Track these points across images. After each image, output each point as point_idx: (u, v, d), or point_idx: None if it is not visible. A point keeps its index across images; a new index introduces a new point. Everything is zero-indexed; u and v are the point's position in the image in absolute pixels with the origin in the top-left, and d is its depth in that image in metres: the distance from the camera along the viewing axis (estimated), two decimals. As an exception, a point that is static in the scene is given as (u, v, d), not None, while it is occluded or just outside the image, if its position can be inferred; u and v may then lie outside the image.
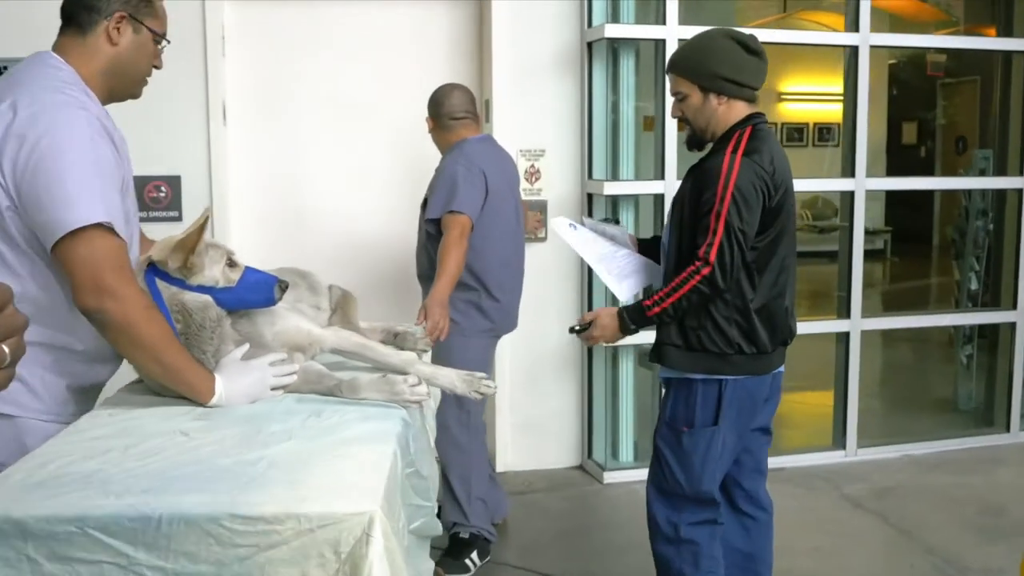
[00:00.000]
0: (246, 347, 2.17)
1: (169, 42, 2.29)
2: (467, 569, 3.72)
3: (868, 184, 4.96)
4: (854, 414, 5.09)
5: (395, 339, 2.71)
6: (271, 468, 1.71)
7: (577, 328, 2.84)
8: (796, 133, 13.80)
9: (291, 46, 4.54)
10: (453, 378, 2.33)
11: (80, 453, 1.80)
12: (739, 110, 2.70)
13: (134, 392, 2.22)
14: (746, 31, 2.76)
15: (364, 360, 2.36)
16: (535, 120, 4.57)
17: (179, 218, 4.29)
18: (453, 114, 3.75)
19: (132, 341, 2.05)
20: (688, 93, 2.71)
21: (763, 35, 5.26)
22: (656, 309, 2.66)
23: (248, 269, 2.13)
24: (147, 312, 2.04)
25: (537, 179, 4.62)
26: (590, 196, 4.66)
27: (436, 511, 2.41)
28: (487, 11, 4.53)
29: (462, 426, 3.70)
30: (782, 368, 2.86)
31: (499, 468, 4.74)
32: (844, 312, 5.10)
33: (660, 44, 4.45)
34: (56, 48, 2.20)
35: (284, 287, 2.11)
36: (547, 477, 4.80)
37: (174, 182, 4.28)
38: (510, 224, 3.77)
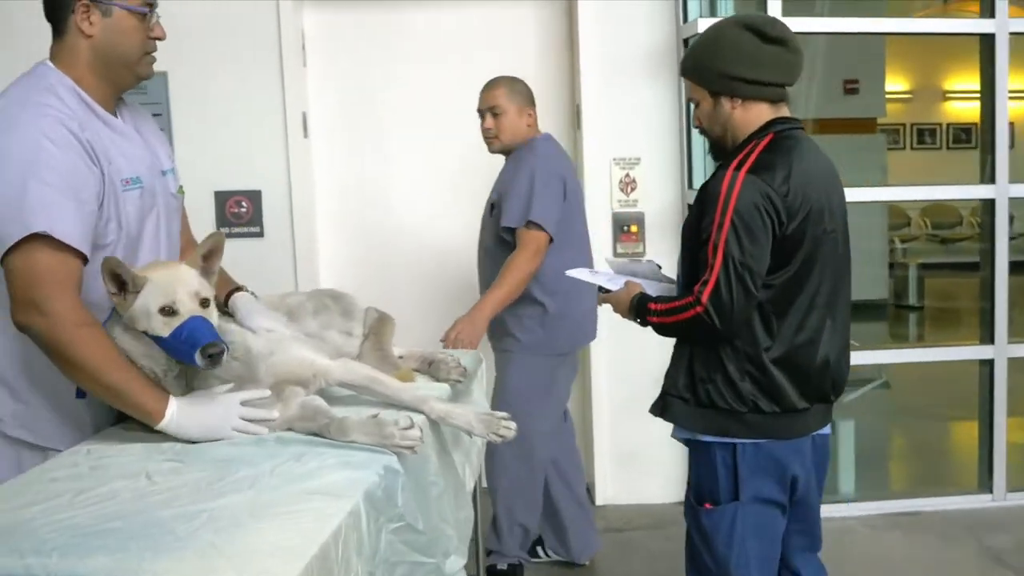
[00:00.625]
0: (227, 387, 2.00)
1: (153, 7, 2.12)
2: None
3: (1012, 191, 4.41)
4: (1002, 453, 4.48)
5: (429, 368, 2.50)
6: (205, 525, 1.53)
7: (602, 290, 2.50)
8: (963, 134, 12.87)
9: (374, 53, 4.41)
10: (470, 418, 2.09)
11: (27, 498, 1.69)
12: (759, 114, 2.24)
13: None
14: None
15: (373, 395, 2.16)
16: (628, 125, 4.26)
17: (260, 234, 4.22)
18: (532, 107, 3.52)
19: (64, 360, 1.93)
20: (699, 98, 2.31)
21: (875, 25, 4.97)
22: (653, 319, 2.25)
23: (189, 321, 1.90)
24: (77, 331, 1.90)
25: (632, 189, 4.31)
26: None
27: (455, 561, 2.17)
28: (575, 10, 4.26)
29: (517, 459, 3.44)
30: (826, 430, 2.37)
31: (597, 502, 4.45)
32: (987, 336, 4.54)
33: (766, 40, 4.07)
34: (50, 56, 2.11)
35: (210, 354, 1.87)
36: (648, 513, 4.44)
37: (255, 197, 4.21)
38: (580, 232, 3.52)
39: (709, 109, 2.28)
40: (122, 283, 1.91)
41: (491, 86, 3.49)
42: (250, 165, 4.20)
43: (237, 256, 4.11)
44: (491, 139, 3.47)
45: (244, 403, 2.00)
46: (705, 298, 2.11)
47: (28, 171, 1.89)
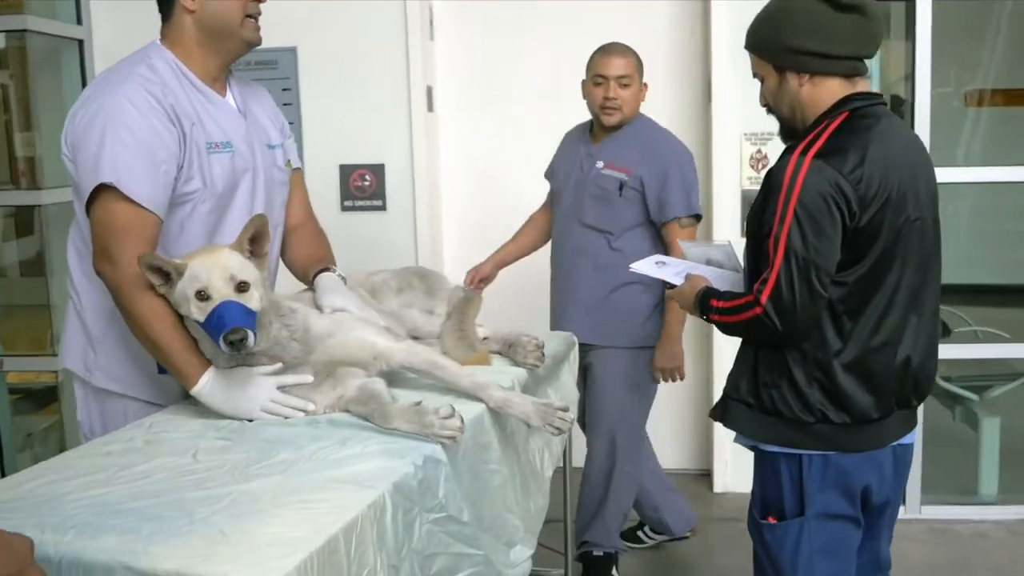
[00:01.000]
0: (271, 368, 2.01)
1: None
2: None
3: None
4: None
5: (509, 350, 2.43)
6: (224, 509, 1.53)
7: (669, 285, 2.34)
8: None
9: (502, 27, 4.33)
10: (528, 408, 2.02)
11: (75, 471, 1.74)
12: (831, 90, 2.00)
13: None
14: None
15: (434, 380, 2.10)
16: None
17: (383, 207, 4.24)
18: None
19: (124, 308, 2.02)
20: (764, 74, 2.08)
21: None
22: (714, 317, 2.07)
23: (220, 306, 1.88)
24: (137, 280, 1.96)
25: (764, 166, 4.07)
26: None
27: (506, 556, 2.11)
28: (709, -23, 4.05)
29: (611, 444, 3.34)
30: (909, 439, 2.11)
31: (716, 489, 4.29)
32: None
33: (905, 7, 3.77)
34: (160, 38, 2.22)
35: (230, 340, 1.84)
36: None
37: (378, 170, 4.23)
38: None
39: (775, 86, 2.06)
40: (167, 273, 1.93)
41: (622, 52, 3.27)
42: (374, 139, 4.22)
43: (360, 230, 4.23)
44: (613, 110, 3.22)
45: (282, 388, 1.99)
46: (764, 298, 1.91)
47: (108, 130, 2.00)
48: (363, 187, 4.26)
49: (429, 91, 4.27)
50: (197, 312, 1.90)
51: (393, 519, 1.60)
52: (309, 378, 2.02)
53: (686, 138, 4.24)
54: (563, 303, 3.35)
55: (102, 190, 2.00)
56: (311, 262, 2.36)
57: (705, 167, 4.14)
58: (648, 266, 2.39)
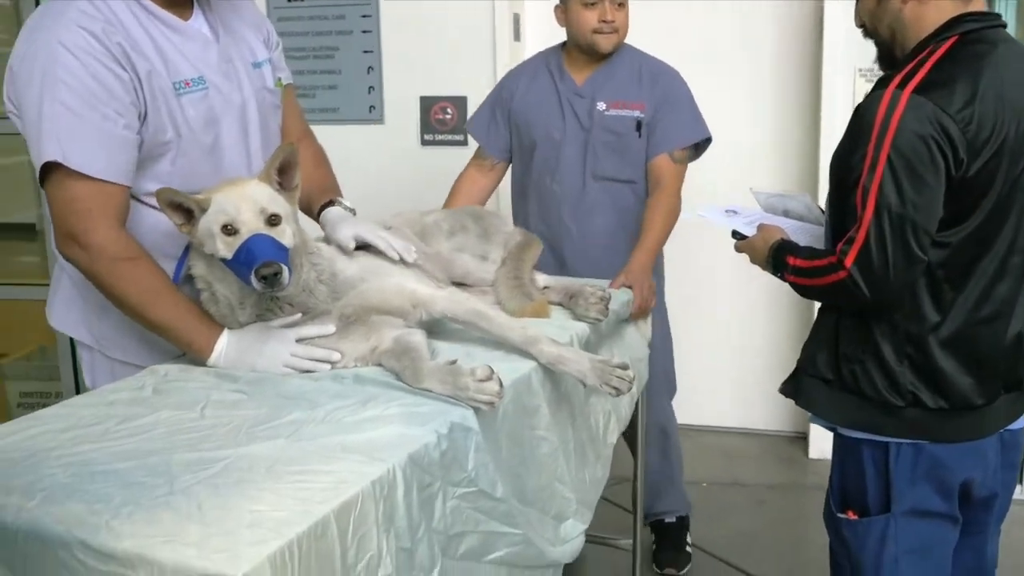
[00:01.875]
0: (290, 319, 1.81)
1: None
2: (689, 556, 3.11)
3: None
4: None
5: (570, 301, 2.19)
6: (212, 477, 1.35)
7: (738, 236, 2.04)
8: None
9: None
10: (584, 365, 1.79)
11: (71, 421, 1.59)
12: (940, 9, 1.66)
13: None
14: None
15: (480, 332, 1.89)
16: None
17: (464, 142, 4.01)
18: None
19: (109, 294, 1.81)
20: None
21: None
22: (790, 277, 1.77)
23: (249, 240, 1.69)
24: (115, 266, 1.77)
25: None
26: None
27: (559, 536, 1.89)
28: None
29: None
30: (1019, 423, 1.80)
31: (812, 455, 3.99)
32: None
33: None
34: None
35: (263, 275, 1.64)
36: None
37: (460, 103, 3.99)
38: None
39: (872, 4, 1.74)
40: (188, 211, 1.74)
41: None
42: (456, 70, 3.98)
43: (440, 165, 4.01)
44: (608, 34, 2.78)
45: (302, 340, 1.80)
46: (850, 261, 1.61)
47: (44, 88, 1.72)
48: (444, 120, 4.04)
49: (516, 19, 4.00)
50: (223, 248, 1.70)
51: (406, 496, 1.40)
52: (331, 329, 1.83)
53: (792, 75, 3.90)
54: (582, 272, 2.75)
55: (52, 167, 1.75)
56: (314, 192, 2.11)
57: (814, 107, 3.79)
58: (716, 213, 2.09)
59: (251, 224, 1.70)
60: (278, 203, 1.77)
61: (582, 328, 2.09)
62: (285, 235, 1.74)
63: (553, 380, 1.89)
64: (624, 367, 1.79)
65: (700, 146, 2.86)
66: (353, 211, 2.12)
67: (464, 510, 1.57)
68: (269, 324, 1.80)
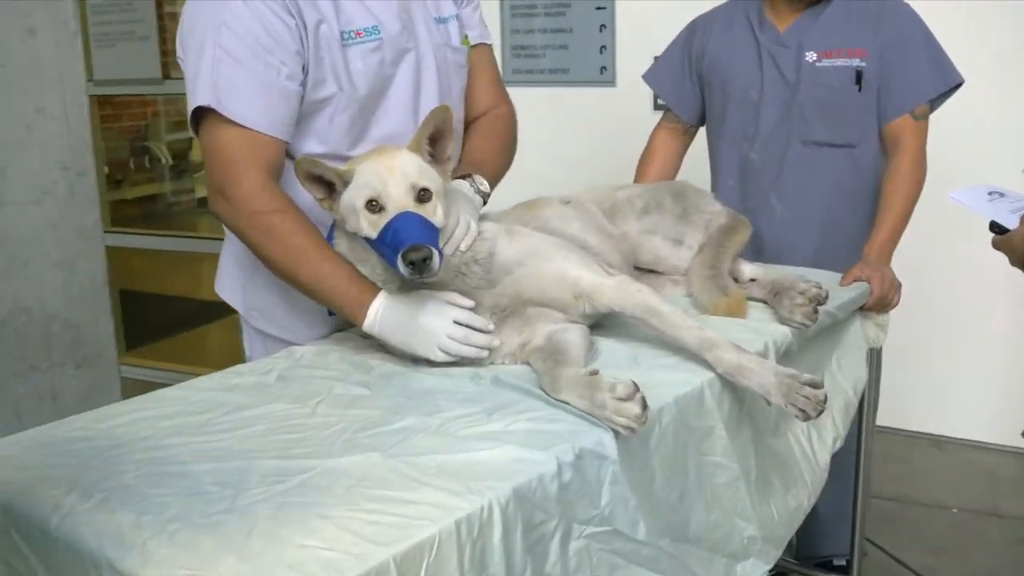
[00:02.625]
0: (466, 302, 1.60)
1: None
2: None
3: None
4: None
5: (774, 298, 1.85)
6: (281, 495, 1.18)
7: (997, 228, 1.56)
8: None
9: None
10: (768, 379, 1.48)
11: (179, 407, 1.48)
12: None
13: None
14: None
15: (651, 330, 1.60)
16: None
17: (699, 108, 3.65)
18: None
19: (257, 253, 1.66)
20: None
21: None
22: None
23: (396, 219, 1.48)
24: (259, 219, 1.61)
25: None
26: None
27: None
28: None
29: None
30: None
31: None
32: None
33: None
34: None
35: (414, 260, 1.43)
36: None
37: (696, 65, 3.63)
38: None
39: None
40: (329, 184, 1.56)
41: None
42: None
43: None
44: None
45: (458, 321, 1.58)
46: None
47: (208, 32, 1.61)
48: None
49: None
50: (367, 226, 1.52)
51: (505, 538, 1.16)
52: (491, 326, 1.60)
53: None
54: (784, 260, 2.28)
55: (205, 113, 1.63)
56: (465, 160, 1.89)
57: None
58: (975, 196, 1.65)
59: (399, 201, 1.50)
60: (429, 176, 1.56)
61: (782, 333, 1.74)
62: (436, 213, 1.53)
63: (735, 395, 1.57)
64: (815, 384, 1.45)
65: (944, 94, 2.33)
66: (485, 197, 1.84)
67: (594, 552, 1.30)
68: (434, 293, 1.59)
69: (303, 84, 1.66)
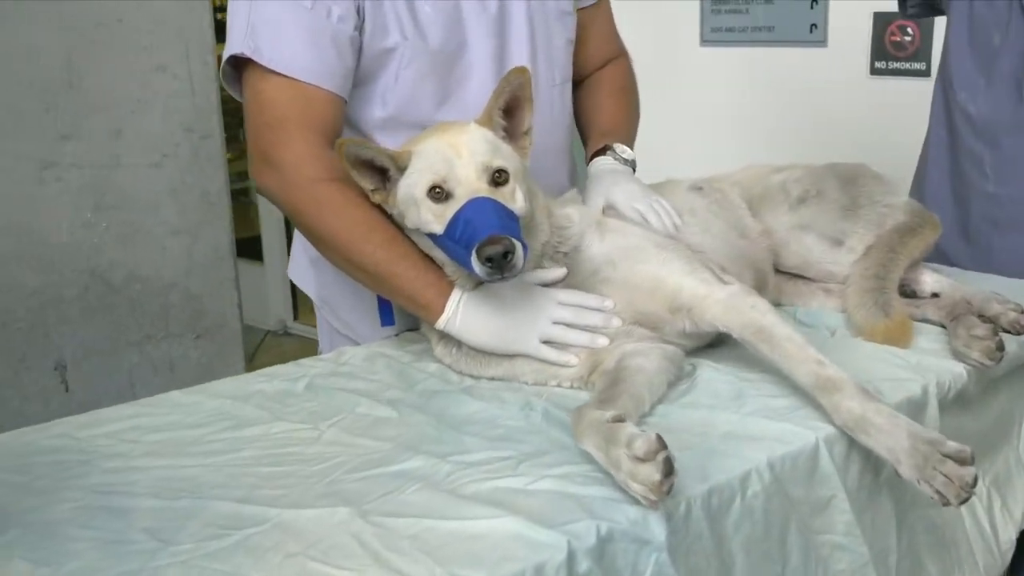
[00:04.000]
0: (558, 274, 1.32)
1: None
2: None
3: None
4: None
5: (952, 323, 1.43)
6: (206, 558, 0.95)
7: None
8: None
9: None
10: (899, 441, 1.12)
11: (181, 416, 1.29)
12: None
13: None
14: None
15: (763, 358, 1.24)
16: None
17: (926, 72, 3.10)
18: None
19: (306, 232, 1.41)
20: None
21: None
22: None
23: (467, 207, 1.20)
24: (314, 188, 1.34)
25: None
26: None
27: None
28: None
29: None
30: None
31: None
32: None
33: None
34: None
35: (492, 256, 1.15)
36: None
37: (925, 23, 3.08)
38: None
39: None
40: (381, 170, 1.29)
41: None
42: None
43: (892, 98, 3.17)
44: None
45: (564, 303, 1.31)
46: None
47: None
48: (902, 44, 3.16)
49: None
50: (432, 220, 1.25)
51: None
52: (611, 303, 1.32)
53: None
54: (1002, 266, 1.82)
55: (246, 66, 1.38)
56: (593, 131, 1.59)
57: None
58: None
59: (469, 184, 1.23)
60: (504, 154, 1.28)
61: (954, 374, 1.32)
62: (516, 198, 1.25)
63: (865, 454, 1.18)
64: (965, 459, 1.05)
65: None
66: (632, 164, 1.55)
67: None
68: (522, 278, 1.29)
69: (359, 30, 1.38)
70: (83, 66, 2.11)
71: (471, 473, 1.07)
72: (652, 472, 0.94)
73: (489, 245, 1.15)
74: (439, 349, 1.38)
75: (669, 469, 0.95)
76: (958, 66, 1.97)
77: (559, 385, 1.31)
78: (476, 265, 1.17)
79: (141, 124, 2.20)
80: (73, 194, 2.14)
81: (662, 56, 3.62)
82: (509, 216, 1.22)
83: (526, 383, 1.32)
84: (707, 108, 3.58)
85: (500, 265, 1.16)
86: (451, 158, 1.24)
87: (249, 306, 1.59)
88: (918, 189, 2.07)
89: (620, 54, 1.74)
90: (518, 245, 1.17)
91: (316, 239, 1.40)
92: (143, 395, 1.35)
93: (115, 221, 2.20)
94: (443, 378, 1.36)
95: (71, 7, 2.09)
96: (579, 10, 1.62)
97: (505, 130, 1.31)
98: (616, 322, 1.30)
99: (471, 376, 1.35)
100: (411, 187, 1.26)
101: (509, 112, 1.31)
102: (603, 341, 1.29)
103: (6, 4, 2.00)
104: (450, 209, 1.22)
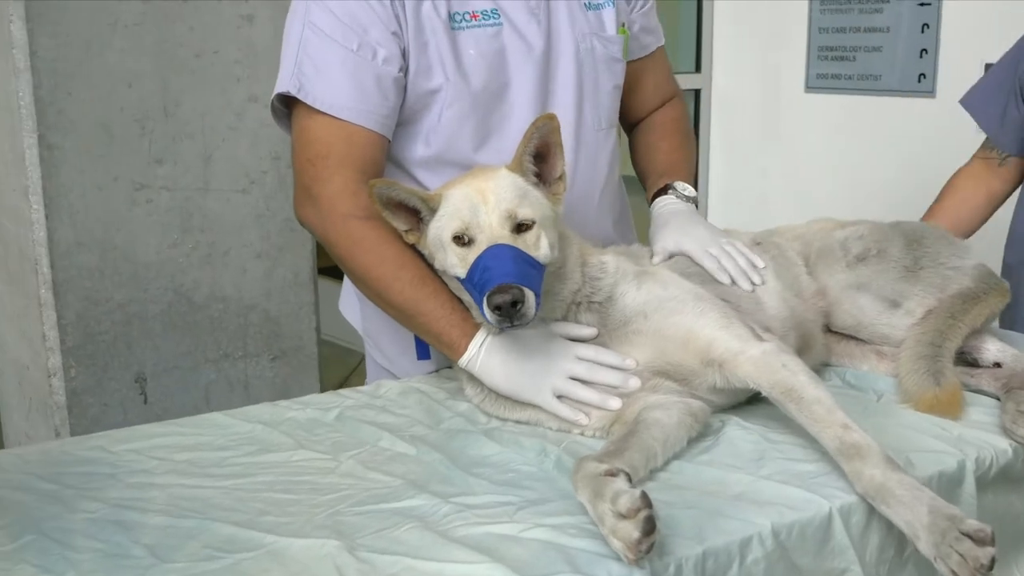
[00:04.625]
0: (587, 332, 1.33)
1: None
2: None
3: None
4: None
5: (1006, 396, 1.36)
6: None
7: None
8: None
9: None
10: (920, 516, 1.08)
11: (211, 438, 1.34)
12: None
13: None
14: None
15: (793, 420, 1.21)
16: None
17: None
18: None
19: (344, 267, 1.44)
20: None
21: None
22: None
23: (485, 254, 1.22)
24: (347, 225, 1.38)
25: None
26: None
27: None
28: None
29: None
30: None
31: None
32: None
33: None
34: None
35: (500, 304, 1.16)
36: None
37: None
38: None
39: None
40: (414, 211, 1.33)
41: None
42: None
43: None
44: None
45: (583, 358, 1.31)
46: None
47: (300, 12, 1.42)
48: (1014, 97, 3.03)
49: None
50: (456, 263, 1.27)
51: None
52: (632, 362, 1.31)
53: None
54: None
55: (294, 105, 1.43)
56: (651, 172, 1.58)
57: None
58: None
59: (491, 232, 1.25)
60: (532, 201, 1.29)
61: (997, 449, 1.26)
62: (540, 246, 1.26)
63: (887, 527, 1.14)
64: (984, 539, 1.00)
65: None
66: (694, 201, 1.53)
67: None
68: (550, 327, 1.33)
69: (404, 71, 1.42)
70: (179, 94, 2.22)
71: (467, 516, 1.07)
72: (632, 530, 0.93)
73: (498, 293, 1.16)
74: (468, 389, 1.39)
75: (650, 528, 0.93)
76: None
77: (582, 434, 1.30)
78: (486, 311, 1.19)
79: (231, 151, 2.30)
80: (162, 215, 2.24)
81: (768, 102, 3.58)
82: (529, 264, 1.22)
83: (550, 428, 1.32)
84: (807, 156, 3.51)
85: (509, 314, 1.17)
86: (477, 204, 1.26)
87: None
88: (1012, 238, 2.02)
89: (674, 95, 1.73)
90: (529, 294, 1.18)
91: (351, 274, 1.45)
92: (218, 410, 1.41)
93: (201, 243, 2.29)
94: (470, 418, 1.36)
95: (171, 36, 2.20)
96: (634, 61, 1.62)
97: (537, 175, 1.32)
98: (634, 382, 1.28)
99: (498, 418, 1.36)
100: (439, 231, 1.29)
101: (541, 157, 1.32)
102: (615, 404, 1.27)
103: (107, 31, 2.13)
104: (472, 254, 1.24)
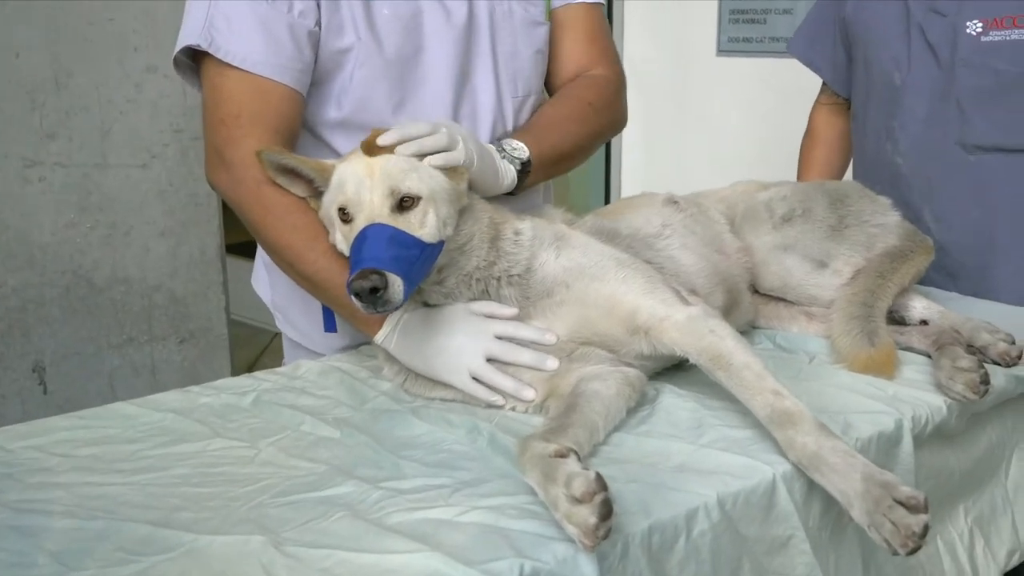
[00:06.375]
0: (504, 311, 1.27)
1: None
2: None
3: None
4: None
5: (937, 352, 1.36)
6: None
7: None
8: None
9: None
10: (854, 484, 1.04)
11: (118, 429, 1.24)
12: None
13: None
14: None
15: (722, 387, 1.18)
16: None
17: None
18: None
19: (255, 233, 1.35)
20: None
21: None
22: None
23: (361, 234, 1.15)
24: (260, 191, 1.30)
25: None
26: None
27: None
28: None
29: None
30: None
31: None
32: None
33: None
34: None
35: (359, 291, 1.10)
36: None
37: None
38: None
39: None
40: (308, 180, 1.27)
41: None
42: None
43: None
44: None
45: (501, 337, 1.25)
46: None
47: None
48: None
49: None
50: (342, 240, 1.22)
51: None
52: (552, 337, 1.25)
53: None
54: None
55: (202, 60, 1.34)
56: (521, 129, 1.50)
57: None
58: None
59: (371, 209, 1.18)
60: (423, 177, 1.21)
61: (932, 408, 1.25)
62: (425, 223, 1.19)
63: (821, 492, 1.12)
64: (917, 507, 0.98)
65: None
66: (524, 164, 1.41)
67: None
68: (469, 306, 1.27)
69: (319, 25, 1.35)
70: (71, 64, 2.08)
71: (400, 501, 1.01)
72: (588, 515, 0.88)
73: (359, 279, 1.10)
74: (387, 369, 1.33)
75: (607, 512, 0.88)
76: (874, 111, 1.93)
77: (513, 409, 1.25)
78: (352, 296, 1.12)
79: (130, 124, 2.17)
80: (57, 193, 2.11)
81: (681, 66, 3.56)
82: (407, 245, 1.15)
83: (479, 405, 1.26)
84: (721, 119, 3.51)
85: (370, 300, 1.10)
86: (362, 179, 1.19)
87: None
88: None
89: (600, 65, 1.61)
90: (394, 280, 1.11)
91: (262, 242, 1.37)
92: (124, 398, 1.33)
93: (100, 221, 2.16)
94: (395, 397, 1.30)
95: (61, 6, 2.06)
96: (555, 10, 1.56)
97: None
98: (552, 363, 1.23)
99: (422, 397, 1.30)
100: (328, 205, 1.23)
101: None
102: (529, 394, 1.22)
103: (-8, 3, 1.99)
104: (353, 232, 1.18)
